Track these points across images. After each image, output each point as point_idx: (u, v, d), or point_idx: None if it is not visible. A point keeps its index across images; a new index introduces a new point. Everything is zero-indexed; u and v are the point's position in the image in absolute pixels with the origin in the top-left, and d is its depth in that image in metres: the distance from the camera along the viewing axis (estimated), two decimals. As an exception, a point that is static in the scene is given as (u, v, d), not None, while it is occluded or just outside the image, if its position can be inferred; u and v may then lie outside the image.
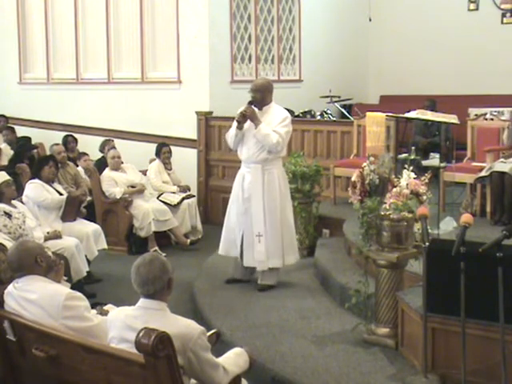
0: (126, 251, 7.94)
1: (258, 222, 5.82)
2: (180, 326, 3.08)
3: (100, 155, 9.02)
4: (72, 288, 4.03)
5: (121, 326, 3.17)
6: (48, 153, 8.66)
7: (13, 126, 10.75)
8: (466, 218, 3.76)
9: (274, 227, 5.86)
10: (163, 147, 8.64)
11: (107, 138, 9.37)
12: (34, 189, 6.64)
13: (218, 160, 9.15)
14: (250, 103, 5.79)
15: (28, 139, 9.96)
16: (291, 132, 6.02)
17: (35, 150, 9.62)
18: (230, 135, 5.96)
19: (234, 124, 5.88)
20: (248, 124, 5.81)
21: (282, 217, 5.91)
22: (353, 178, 4.96)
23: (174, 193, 8.47)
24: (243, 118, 5.76)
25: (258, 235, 5.82)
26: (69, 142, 9.46)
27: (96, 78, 10.56)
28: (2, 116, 10.92)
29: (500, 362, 3.59)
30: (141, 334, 2.87)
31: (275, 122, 5.79)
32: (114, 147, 8.66)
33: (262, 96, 5.81)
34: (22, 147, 9.42)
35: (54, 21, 11.04)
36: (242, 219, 5.91)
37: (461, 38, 10.62)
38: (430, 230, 4.25)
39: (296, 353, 4.59)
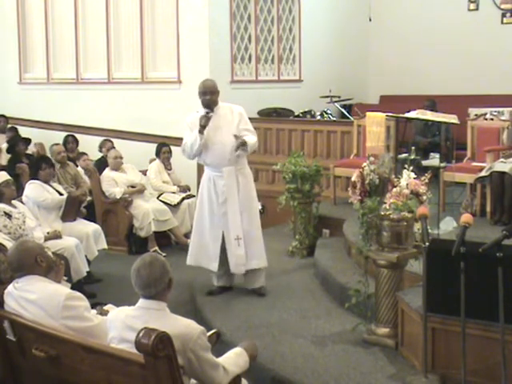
0: (126, 251, 7.95)
1: (235, 225, 5.66)
2: (180, 326, 3.08)
3: (100, 155, 9.02)
4: (72, 288, 4.04)
5: (121, 326, 3.17)
6: (48, 153, 8.66)
7: (14, 126, 10.75)
8: (466, 217, 3.76)
9: (255, 227, 5.75)
10: (163, 147, 8.64)
11: (105, 138, 9.37)
12: (34, 189, 6.64)
13: (217, 160, 9.12)
14: (209, 107, 5.61)
15: (17, 135, 9.97)
16: None
17: (34, 150, 9.62)
18: (190, 144, 5.64)
19: (194, 132, 5.59)
20: (209, 129, 5.59)
21: (258, 216, 5.81)
22: (353, 178, 4.96)
23: (173, 193, 8.47)
24: (207, 120, 5.55)
25: (237, 238, 5.66)
26: (68, 142, 9.47)
27: (96, 77, 10.55)
28: (2, 116, 10.91)
29: (500, 362, 3.59)
30: (141, 334, 2.86)
31: (236, 120, 5.64)
32: (113, 147, 8.65)
33: (216, 97, 5.66)
34: (13, 143, 9.40)
35: (54, 21, 11.04)
36: (221, 223, 5.70)
37: (461, 38, 10.61)
38: (430, 230, 4.25)
39: (296, 353, 4.59)
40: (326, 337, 4.85)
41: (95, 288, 6.45)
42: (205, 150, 5.67)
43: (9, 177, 6.24)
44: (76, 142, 9.68)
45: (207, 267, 5.86)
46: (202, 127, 5.56)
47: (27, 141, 9.62)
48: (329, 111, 9.98)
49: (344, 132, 8.34)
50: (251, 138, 5.66)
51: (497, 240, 3.54)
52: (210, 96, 5.64)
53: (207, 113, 5.60)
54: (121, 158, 8.21)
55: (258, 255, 5.76)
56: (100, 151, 9.01)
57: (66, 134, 9.94)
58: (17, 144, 9.35)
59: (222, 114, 5.69)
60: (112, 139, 9.35)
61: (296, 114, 9.59)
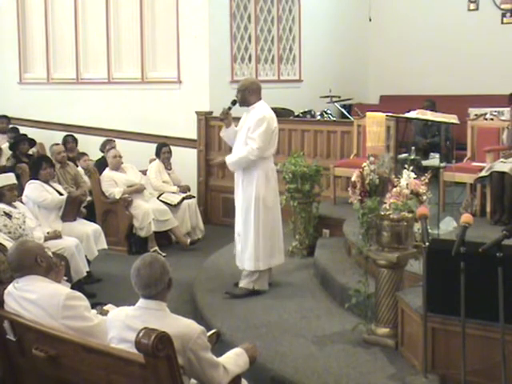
0: (126, 251, 7.94)
1: (237, 221, 5.87)
2: (180, 326, 3.08)
3: (100, 155, 9.01)
4: (72, 288, 4.03)
5: (120, 326, 3.17)
6: (48, 153, 8.65)
7: (15, 126, 10.73)
8: (466, 217, 3.76)
9: (246, 229, 5.78)
10: (163, 147, 8.64)
11: (108, 138, 9.37)
12: (34, 189, 6.64)
13: (218, 160, 9.13)
14: (233, 102, 5.79)
15: (22, 134, 9.96)
16: (274, 130, 5.71)
17: (34, 150, 9.60)
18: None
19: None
20: (240, 126, 5.80)
21: (257, 220, 5.71)
22: (353, 178, 4.97)
23: (174, 193, 8.47)
24: (225, 114, 5.77)
25: (238, 235, 5.86)
26: (68, 142, 9.44)
27: (96, 77, 10.56)
28: (5, 117, 10.84)
29: (500, 362, 3.59)
30: (141, 334, 2.86)
31: (251, 125, 5.65)
32: (114, 147, 8.64)
33: (241, 95, 5.71)
34: (17, 141, 9.37)
35: (54, 21, 11.04)
36: None
37: (461, 38, 10.61)
38: (430, 230, 4.25)
39: (296, 353, 4.59)
40: (326, 337, 4.85)
41: (95, 288, 6.45)
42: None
43: (15, 181, 6.22)
44: (75, 141, 9.66)
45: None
46: (220, 120, 5.91)
47: (32, 141, 9.59)
48: (329, 111, 9.97)
49: (344, 132, 8.34)
50: (235, 156, 5.71)
51: (497, 240, 3.54)
52: (236, 93, 5.78)
53: (229, 108, 5.79)
54: (120, 156, 8.20)
55: (247, 257, 5.78)
56: (102, 151, 8.98)
57: (66, 134, 9.93)
58: (21, 141, 9.31)
59: (250, 115, 5.74)
60: (113, 139, 9.35)
61: (296, 114, 9.59)
